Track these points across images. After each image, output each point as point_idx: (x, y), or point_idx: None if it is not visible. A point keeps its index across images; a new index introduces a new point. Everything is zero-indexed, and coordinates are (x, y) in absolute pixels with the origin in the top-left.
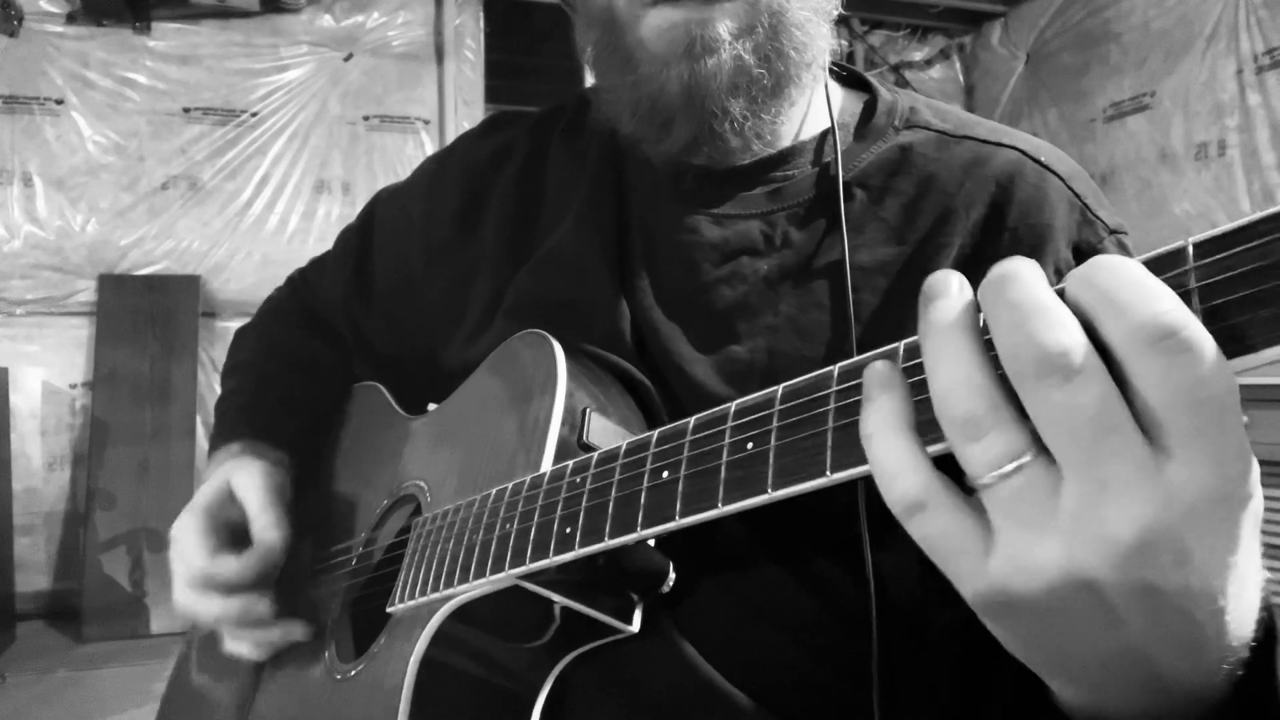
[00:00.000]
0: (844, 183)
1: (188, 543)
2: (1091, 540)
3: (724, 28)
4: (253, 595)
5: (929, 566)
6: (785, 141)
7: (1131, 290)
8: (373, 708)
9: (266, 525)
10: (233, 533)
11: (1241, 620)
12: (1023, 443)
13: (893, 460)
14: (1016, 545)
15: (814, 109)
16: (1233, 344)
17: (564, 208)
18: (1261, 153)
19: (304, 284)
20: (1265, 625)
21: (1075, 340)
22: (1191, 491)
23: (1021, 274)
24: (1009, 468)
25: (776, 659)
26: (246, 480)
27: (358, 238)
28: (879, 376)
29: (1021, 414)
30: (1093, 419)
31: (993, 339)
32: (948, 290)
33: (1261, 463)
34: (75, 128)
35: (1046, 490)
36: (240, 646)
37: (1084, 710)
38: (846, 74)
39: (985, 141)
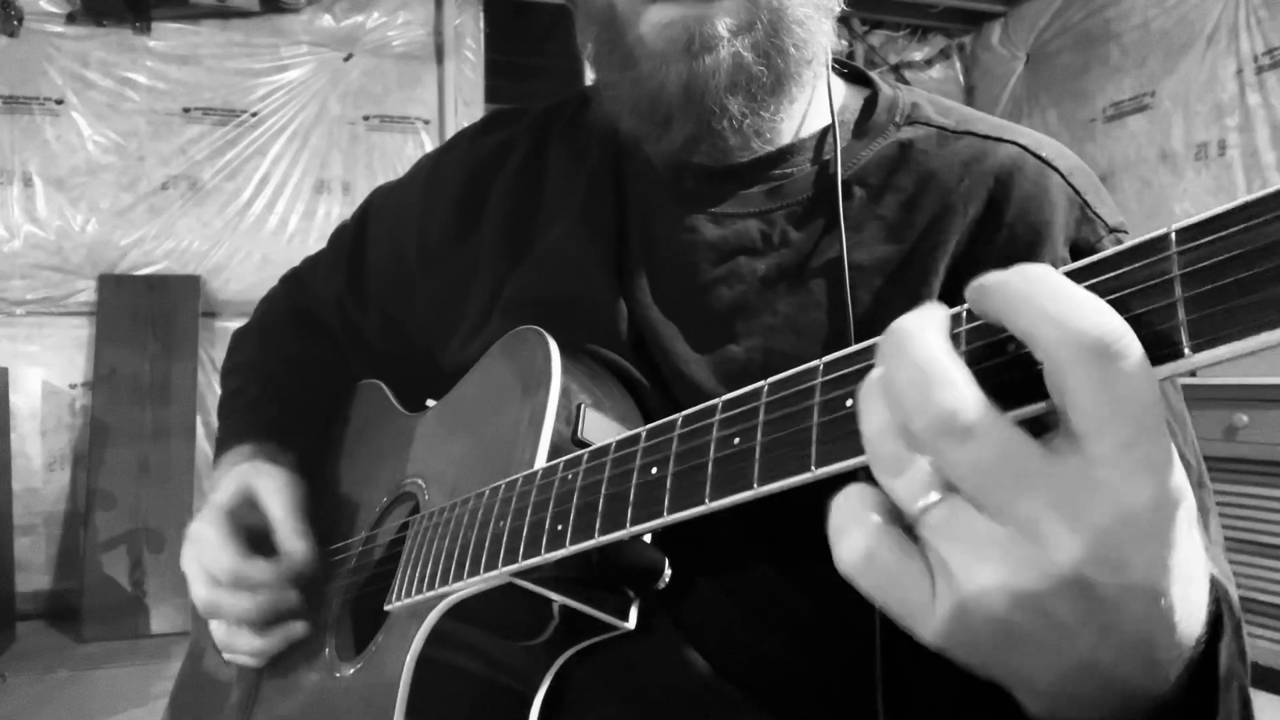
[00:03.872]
0: (843, 180)
1: (212, 542)
2: (1030, 559)
3: (723, 25)
4: (282, 592)
5: None
6: (785, 139)
7: (1063, 302)
8: (371, 705)
9: (291, 534)
10: (251, 537)
11: (1189, 617)
12: (936, 477)
13: (841, 517)
14: (958, 576)
15: (815, 105)
16: (1216, 330)
17: (563, 205)
18: (1261, 153)
19: (298, 284)
20: (1212, 621)
21: (963, 399)
22: (1128, 500)
23: (911, 331)
24: (924, 501)
25: (774, 658)
26: (270, 487)
27: (353, 236)
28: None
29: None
30: (994, 470)
31: (896, 397)
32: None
33: (1262, 462)
34: (75, 128)
35: (971, 513)
36: (239, 655)
37: (1044, 715)
38: (848, 70)
39: (986, 137)
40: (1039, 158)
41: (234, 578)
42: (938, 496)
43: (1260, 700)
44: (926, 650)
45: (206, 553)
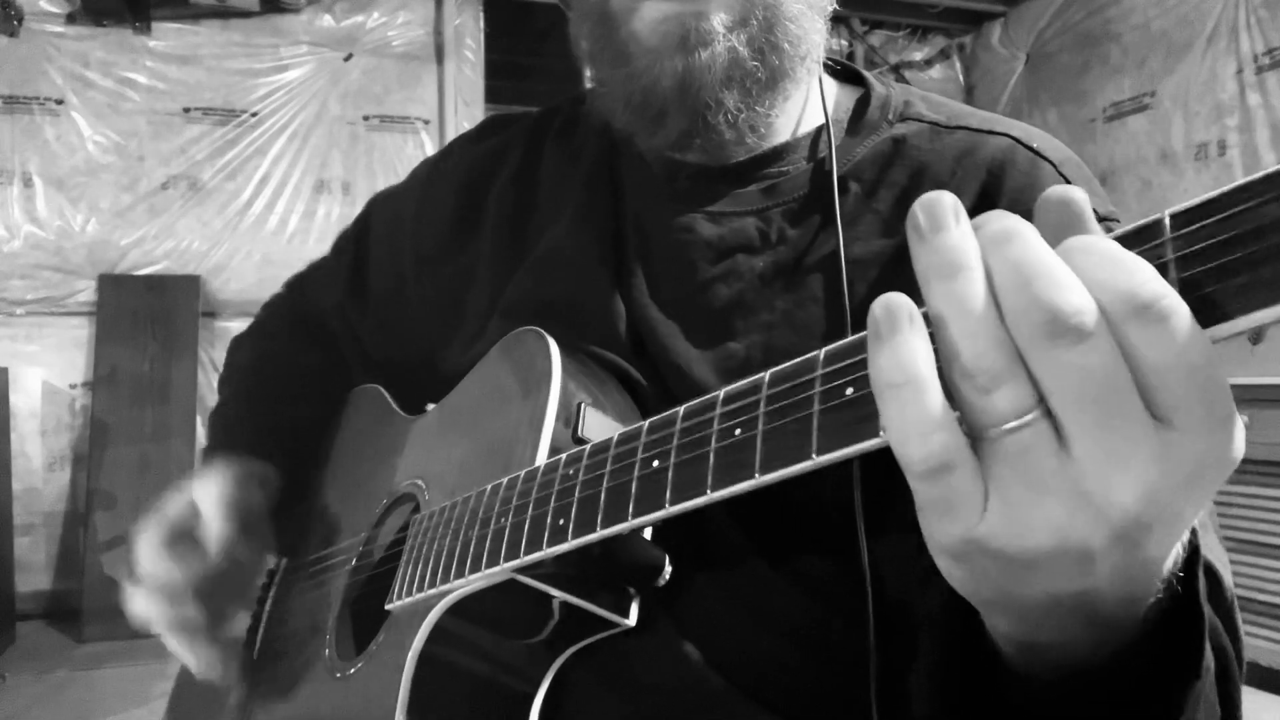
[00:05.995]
0: (838, 177)
1: (140, 546)
2: (1093, 505)
3: (718, 20)
4: (187, 605)
5: (917, 557)
6: (780, 137)
7: (1110, 265)
8: (372, 705)
9: (212, 525)
10: (195, 543)
11: (1173, 558)
12: (1032, 398)
13: (924, 415)
14: (1014, 504)
15: (809, 105)
16: (1210, 312)
17: (559, 208)
18: (1261, 153)
19: (301, 289)
20: (1186, 556)
21: (1086, 302)
22: (1191, 458)
23: (1023, 232)
24: (1016, 423)
25: (773, 655)
26: (205, 492)
27: (354, 243)
28: (902, 310)
29: (1027, 367)
30: (1101, 381)
31: (997, 296)
32: (947, 221)
33: (1261, 463)
34: (75, 128)
35: (1051, 448)
36: (186, 658)
37: (1013, 639)
38: (840, 69)
39: (978, 130)
40: (1030, 149)
41: (144, 577)
42: (1030, 418)
43: (1261, 700)
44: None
45: (136, 556)
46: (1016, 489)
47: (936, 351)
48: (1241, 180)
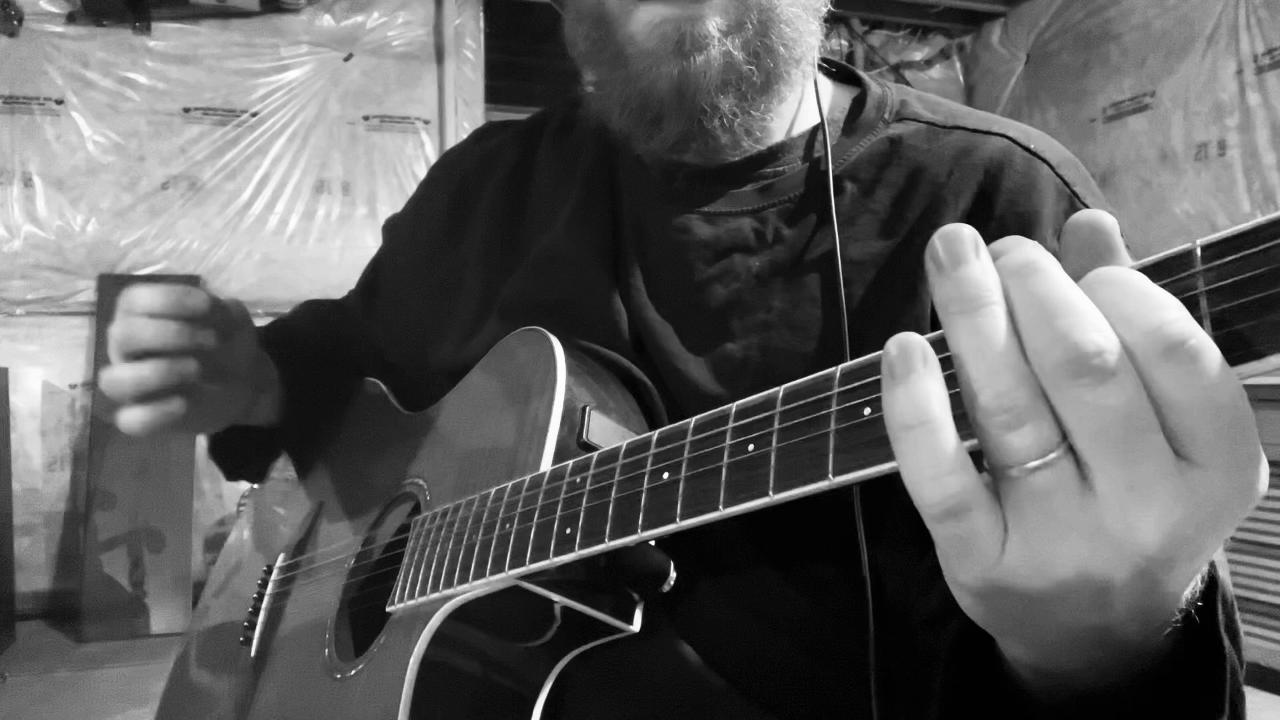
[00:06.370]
0: (834, 176)
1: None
2: (1115, 543)
3: (713, 24)
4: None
5: (916, 561)
6: (776, 138)
7: (1138, 301)
8: (372, 708)
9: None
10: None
11: (1193, 583)
12: (1055, 436)
13: (939, 458)
14: (1035, 542)
15: (804, 105)
16: (1241, 349)
17: (556, 208)
18: (1261, 153)
19: (343, 300)
20: (1205, 581)
21: (1110, 341)
22: (1215, 496)
23: (1044, 265)
24: (1039, 461)
25: (774, 658)
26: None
27: (372, 260)
28: (916, 351)
29: (1049, 404)
30: (1125, 420)
31: (1019, 331)
32: (967, 254)
33: None
34: (75, 128)
35: (1074, 487)
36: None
37: (1030, 666)
38: (836, 69)
39: (975, 130)
40: (1028, 150)
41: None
42: (1053, 457)
43: (1261, 700)
44: (922, 653)
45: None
46: (1038, 527)
47: (953, 380)
48: (1276, 214)
